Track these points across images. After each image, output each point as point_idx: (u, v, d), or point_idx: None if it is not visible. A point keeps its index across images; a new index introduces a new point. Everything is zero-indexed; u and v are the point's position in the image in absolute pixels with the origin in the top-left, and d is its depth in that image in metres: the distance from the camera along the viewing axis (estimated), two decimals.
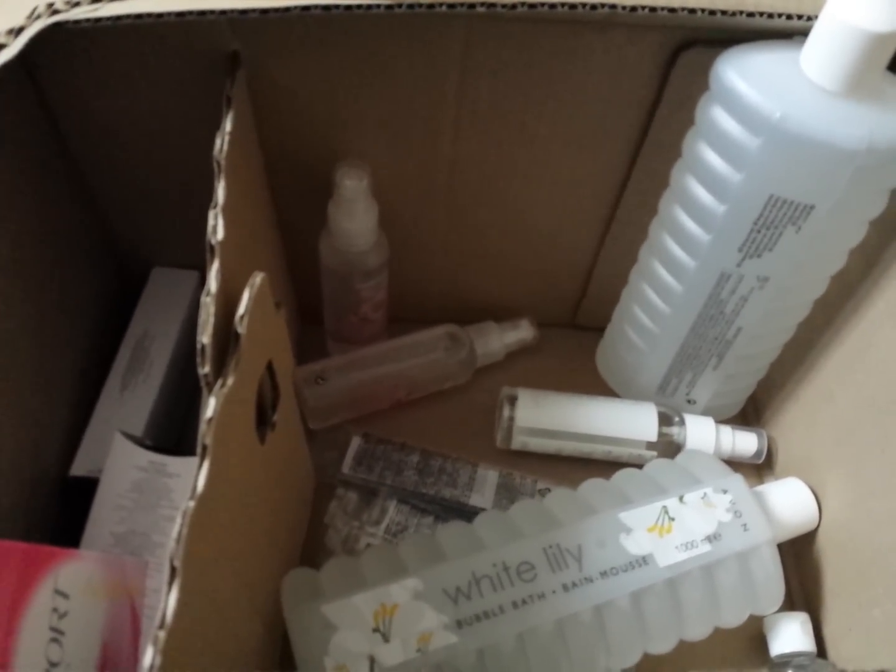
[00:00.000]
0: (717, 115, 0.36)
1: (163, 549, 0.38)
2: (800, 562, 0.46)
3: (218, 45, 0.37)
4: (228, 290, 0.30)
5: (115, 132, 0.42)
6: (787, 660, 0.41)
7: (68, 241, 0.44)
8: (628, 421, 0.49)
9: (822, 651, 0.42)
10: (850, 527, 0.42)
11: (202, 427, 0.26)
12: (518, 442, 0.49)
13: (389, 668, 0.34)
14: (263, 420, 0.34)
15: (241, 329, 0.29)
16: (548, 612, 0.37)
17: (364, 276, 0.46)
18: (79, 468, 0.42)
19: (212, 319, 0.28)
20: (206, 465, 0.26)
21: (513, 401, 0.49)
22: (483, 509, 0.46)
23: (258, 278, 0.30)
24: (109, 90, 0.39)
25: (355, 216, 0.43)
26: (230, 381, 0.28)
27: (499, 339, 0.53)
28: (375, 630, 0.35)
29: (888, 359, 0.39)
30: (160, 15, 0.33)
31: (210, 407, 0.26)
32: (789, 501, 0.44)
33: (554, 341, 0.56)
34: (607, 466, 0.48)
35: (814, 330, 0.45)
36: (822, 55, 0.33)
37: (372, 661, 0.34)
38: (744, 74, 0.35)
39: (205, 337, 0.28)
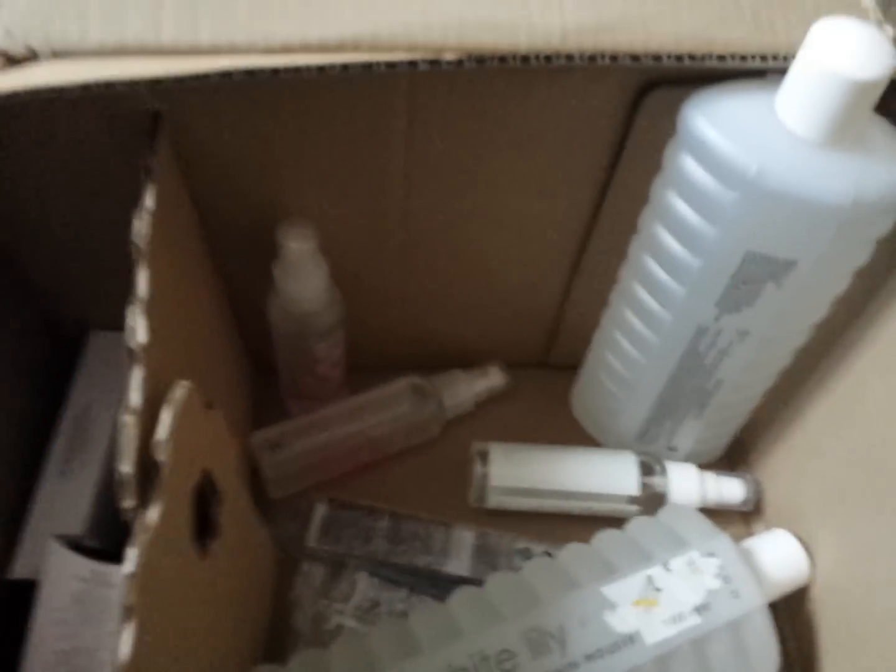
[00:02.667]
0: (686, 165, 0.33)
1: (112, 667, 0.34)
2: (795, 620, 0.44)
3: (136, 106, 0.34)
4: (157, 395, 0.27)
5: (36, 195, 0.38)
6: None
7: None
8: (608, 475, 0.46)
9: None
10: (845, 588, 0.39)
11: (122, 584, 0.23)
12: (493, 501, 0.46)
13: None
14: (204, 529, 0.31)
15: (162, 456, 0.25)
16: None
17: (318, 336, 0.43)
18: (20, 570, 0.38)
19: (135, 444, 0.25)
20: (130, 629, 0.23)
21: (484, 456, 0.46)
22: (460, 576, 0.44)
23: (178, 392, 0.27)
24: (22, 158, 0.36)
25: (303, 279, 0.40)
26: (153, 517, 0.25)
27: (468, 389, 0.50)
28: None
29: (878, 414, 0.36)
30: (61, 89, 0.29)
31: (131, 560, 0.23)
32: (779, 557, 0.41)
33: (526, 384, 0.53)
34: (589, 521, 0.46)
35: (797, 379, 0.43)
36: (801, 103, 0.30)
37: None
38: (715, 122, 0.32)
39: (126, 465, 0.25)
